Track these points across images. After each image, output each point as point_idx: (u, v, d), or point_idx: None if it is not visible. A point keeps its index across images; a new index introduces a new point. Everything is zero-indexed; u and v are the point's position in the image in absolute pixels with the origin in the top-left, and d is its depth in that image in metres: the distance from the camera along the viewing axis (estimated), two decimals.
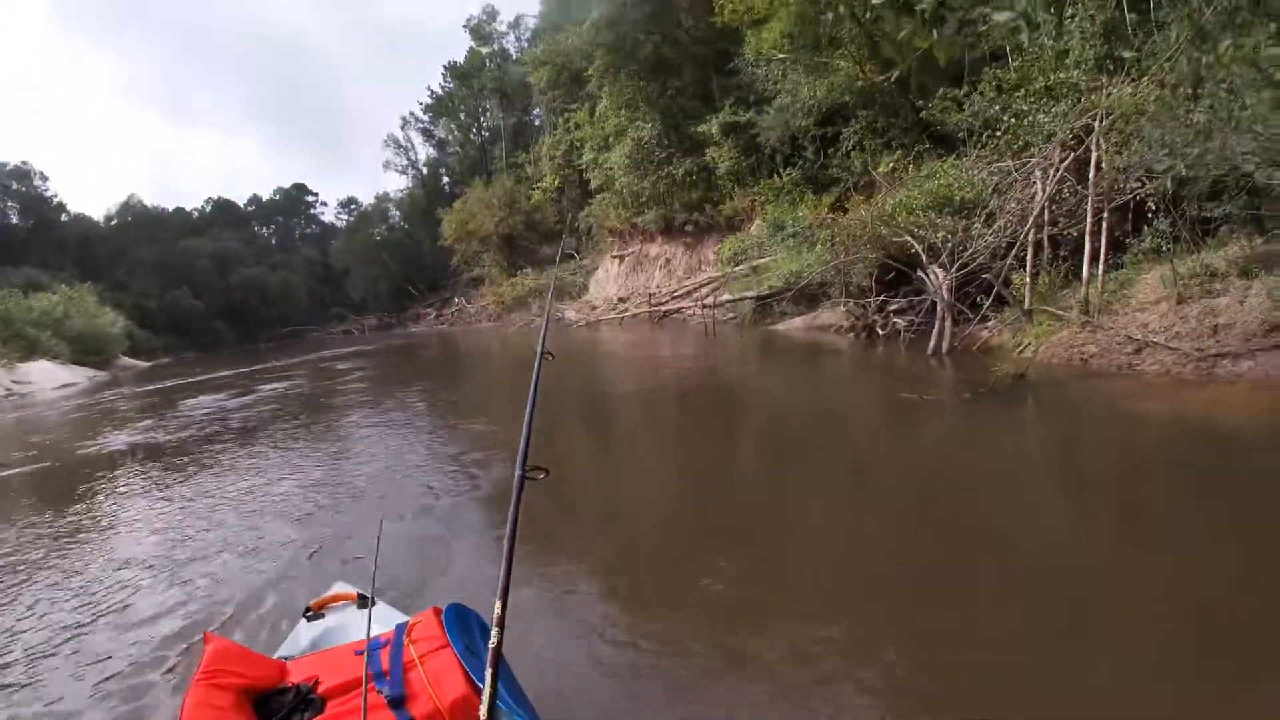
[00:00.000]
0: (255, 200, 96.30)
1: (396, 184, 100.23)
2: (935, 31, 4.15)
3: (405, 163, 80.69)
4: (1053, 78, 13.92)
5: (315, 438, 12.80)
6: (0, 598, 5.83)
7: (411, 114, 79.02)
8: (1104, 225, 11.55)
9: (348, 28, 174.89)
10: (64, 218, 72.85)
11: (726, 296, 25.57)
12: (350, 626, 3.29)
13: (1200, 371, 8.90)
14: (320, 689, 2.48)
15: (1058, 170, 12.87)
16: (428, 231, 69.21)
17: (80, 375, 38.54)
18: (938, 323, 13.31)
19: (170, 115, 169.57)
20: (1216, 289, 9.63)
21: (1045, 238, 13.01)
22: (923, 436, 8.64)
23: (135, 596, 5.57)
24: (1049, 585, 4.40)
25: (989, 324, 12.99)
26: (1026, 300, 12.30)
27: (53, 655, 4.71)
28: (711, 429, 10.64)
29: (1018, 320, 12.42)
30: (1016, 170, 14.51)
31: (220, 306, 73.54)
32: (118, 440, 14.52)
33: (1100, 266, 11.36)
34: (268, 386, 22.52)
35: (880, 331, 15.81)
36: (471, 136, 74.79)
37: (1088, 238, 11.70)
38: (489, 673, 1.91)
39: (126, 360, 48.29)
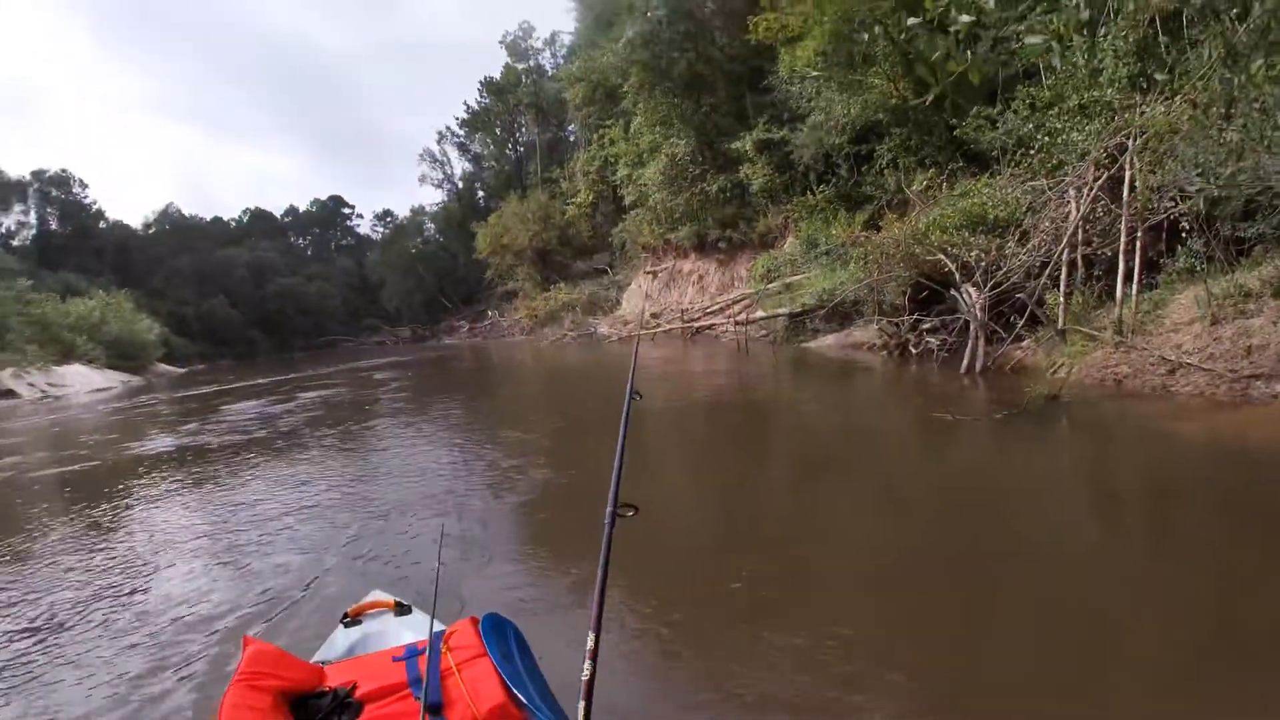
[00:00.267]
0: (292, 211, 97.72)
1: (432, 197, 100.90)
2: (969, 52, 4.22)
3: (441, 177, 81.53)
4: (1086, 96, 13.87)
5: (360, 443, 13.13)
6: (62, 586, 5.99)
7: (448, 128, 79.76)
8: (1138, 245, 11.50)
9: (385, 46, 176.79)
10: (102, 225, 74.40)
11: (759, 313, 25.51)
12: (387, 633, 3.33)
13: (1234, 393, 8.85)
14: (358, 693, 2.50)
15: (1091, 189, 12.82)
16: (462, 245, 69.64)
17: (115, 380, 39.19)
18: (971, 342, 13.28)
19: (208, 127, 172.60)
20: (1250, 309, 9.56)
21: (1079, 257, 12.96)
22: (955, 455, 8.64)
23: (178, 590, 5.72)
24: (1076, 602, 4.42)
25: (1022, 344, 12.94)
26: (1060, 320, 12.26)
27: (100, 643, 4.84)
28: (743, 444, 10.68)
29: (1051, 340, 12.38)
30: (1050, 189, 14.45)
31: (256, 315, 74.45)
32: (166, 442, 14.81)
33: (1134, 286, 11.31)
34: (309, 394, 22.87)
35: (913, 350, 15.78)
36: (507, 151, 75.28)
37: (1121, 257, 11.66)
38: (581, 705, 1.96)
39: (162, 366, 49.16)
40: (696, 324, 31.48)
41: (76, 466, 12.58)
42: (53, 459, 13.57)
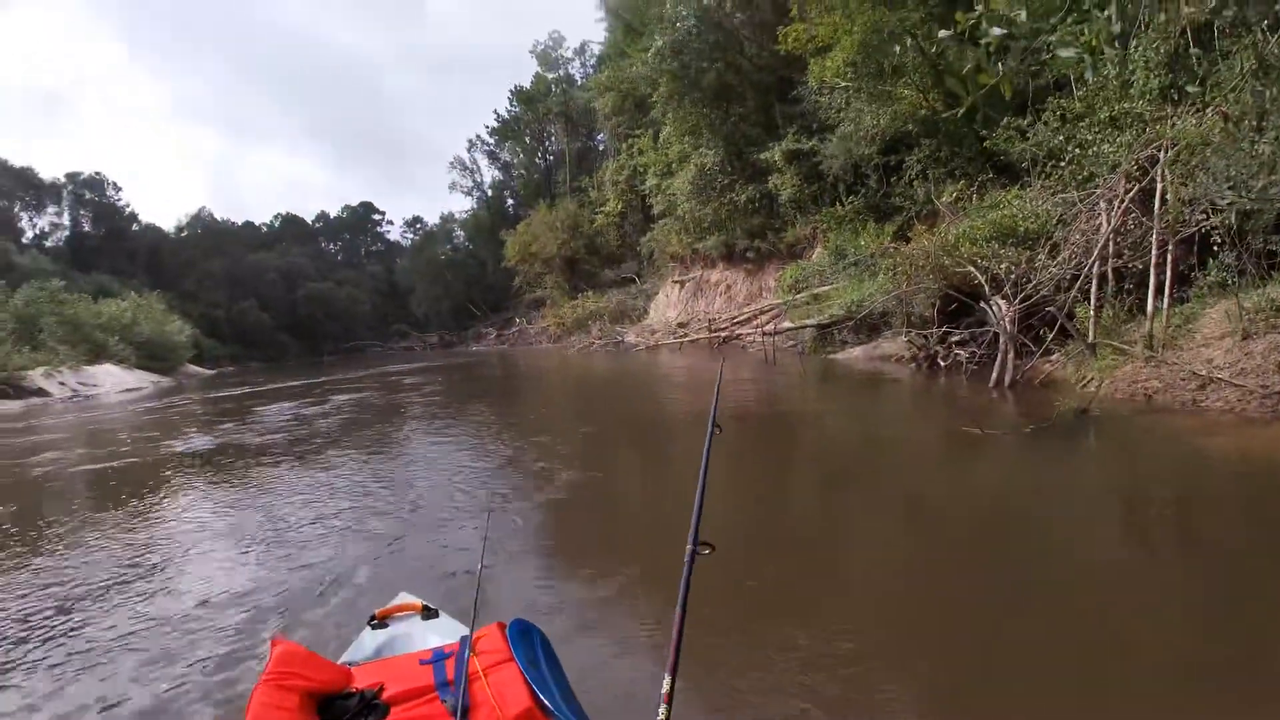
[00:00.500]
0: (323, 217, 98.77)
1: (462, 205, 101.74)
2: (1000, 64, 4.19)
3: (471, 184, 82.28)
4: (1117, 108, 13.79)
5: (396, 446, 13.44)
6: (101, 578, 6.07)
7: (478, 137, 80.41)
8: (1169, 258, 11.40)
9: (415, 54, 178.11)
10: (135, 227, 75.64)
11: (787, 324, 25.45)
12: (414, 636, 3.35)
13: (1265, 409, 8.77)
14: (385, 695, 2.52)
15: (1122, 202, 12.73)
16: (491, 252, 70.28)
17: (145, 380, 39.69)
18: (1000, 355, 13.19)
19: (240, 133, 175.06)
20: None
21: (1110, 270, 12.87)
22: (984, 470, 8.60)
23: (207, 587, 5.79)
24: (1102, 618, 4.40)
25: (1052, 357, 12.85)
26: (1090, 334, 12.17)
27: (134, 635, 4.90)
28: (771, 454, 10.66)
29: (1081, 354, 12.29)
30: (1081, 201, 14.35)
31: (286, 319, 75.47)
32: (205, 441, 15.10)
33: (1165, 300, 11.21)
34: (342, 397, 23.21)
35: (941, 363, 15.72)
36: (536, 160, 75.71)
37: (1152, 271, 11.57)
38: None
39: (191, 367, 49.90)
40: (724, 334, 31.44)
41: (117, 463, 12.80)
42: (94, 455, 13.77)
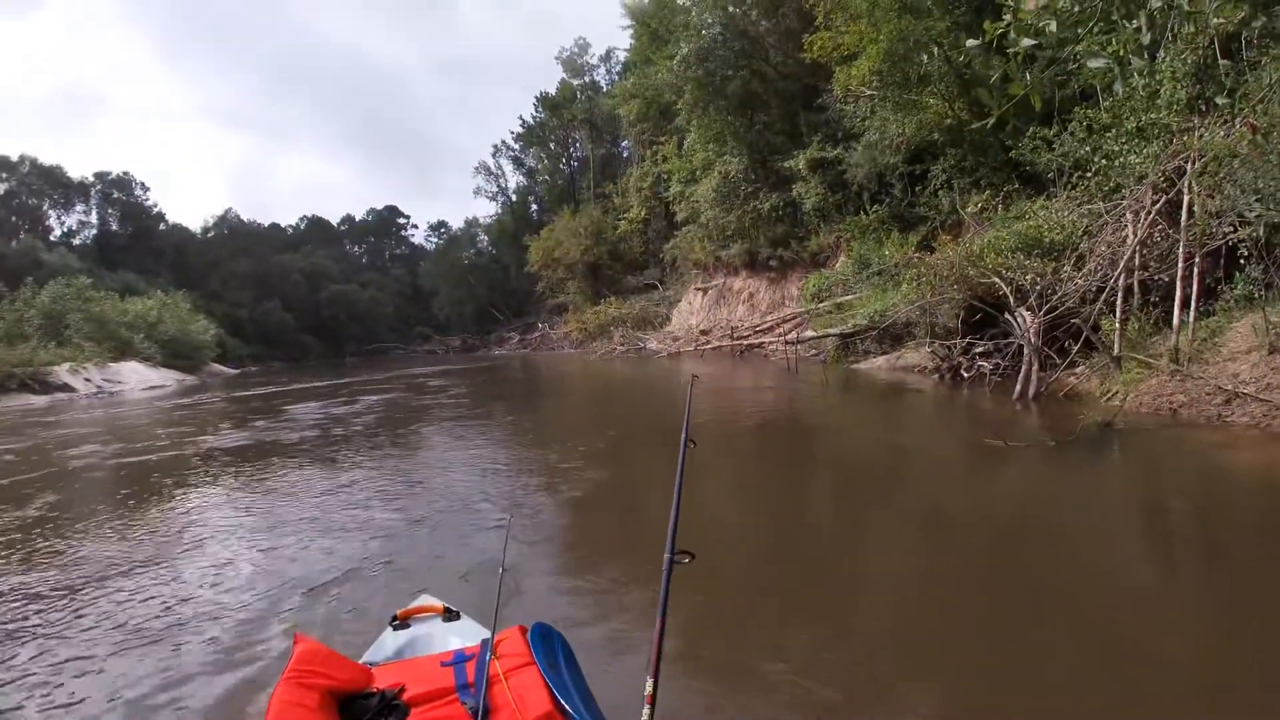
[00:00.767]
0: (348, 220, 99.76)
1: (486, 209, 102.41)
2: (1027, 73, 4.17)
3: (495, 189, 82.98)
4: (1144, 118, 13.71)
5: (421, 446, 13.63)
6: (133, 565, 6.10)
7: (503, 142, 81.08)
8: (1195, 271, 11.32)
9: (440, 60, 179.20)
10: (162, 227, 76.47)
11: (810, 333, 25.41)
12: (435, 638, 3.36)
13: None
14: (405, 696, 2.53)
15: (1149, 213, 12.64)
16: (514, 257, 70.86)
17: (169, 378, 40.07)
18: (1024, 367, 13.09)
19: (267, 136, 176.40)
20: None
21: (1135, 282, 12.78)
22: (1007, 483, 8.54)
23: (227, 579, 5.77)
24: (1123, 633, 4.36)
25: (1076, 370, 12.77)
26: (1116, 346, 12.08)
27: (153, 627, 4.86)
28: (791, 463, 10.63)
29: (1106, 367, 12.20)
30: (1107, 212, 14.28)
31: (309, 320, 76.13)
32: (236, 437, 15.37)
33: (1191, 313, 11.13)
34: (370, 398, 23.41)
35: (965, 374, 15.62)
36: (561, 166, 76.10)
37: (1179, 283, 11.48)
38: None
39: (215, 366, 50.41)
40: (746, 342, 31.43)
41: (155, 456, 13.08)
42: (130, 449, 14.00)
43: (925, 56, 18.29)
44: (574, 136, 72.82)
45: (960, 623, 4.75)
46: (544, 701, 2.41)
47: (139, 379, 37.45)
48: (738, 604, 5.05)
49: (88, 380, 34.31)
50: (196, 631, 5.05)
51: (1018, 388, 12.93)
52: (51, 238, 66.84)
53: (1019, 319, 13.74)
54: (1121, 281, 12.69)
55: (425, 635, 3.42)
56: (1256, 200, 10.14)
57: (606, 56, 68.71)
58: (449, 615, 3.56)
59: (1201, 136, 11.84)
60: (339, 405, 20.95)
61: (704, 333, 36.65)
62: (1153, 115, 13.48)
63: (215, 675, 4.38)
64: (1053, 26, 3.77)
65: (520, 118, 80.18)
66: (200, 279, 68.24)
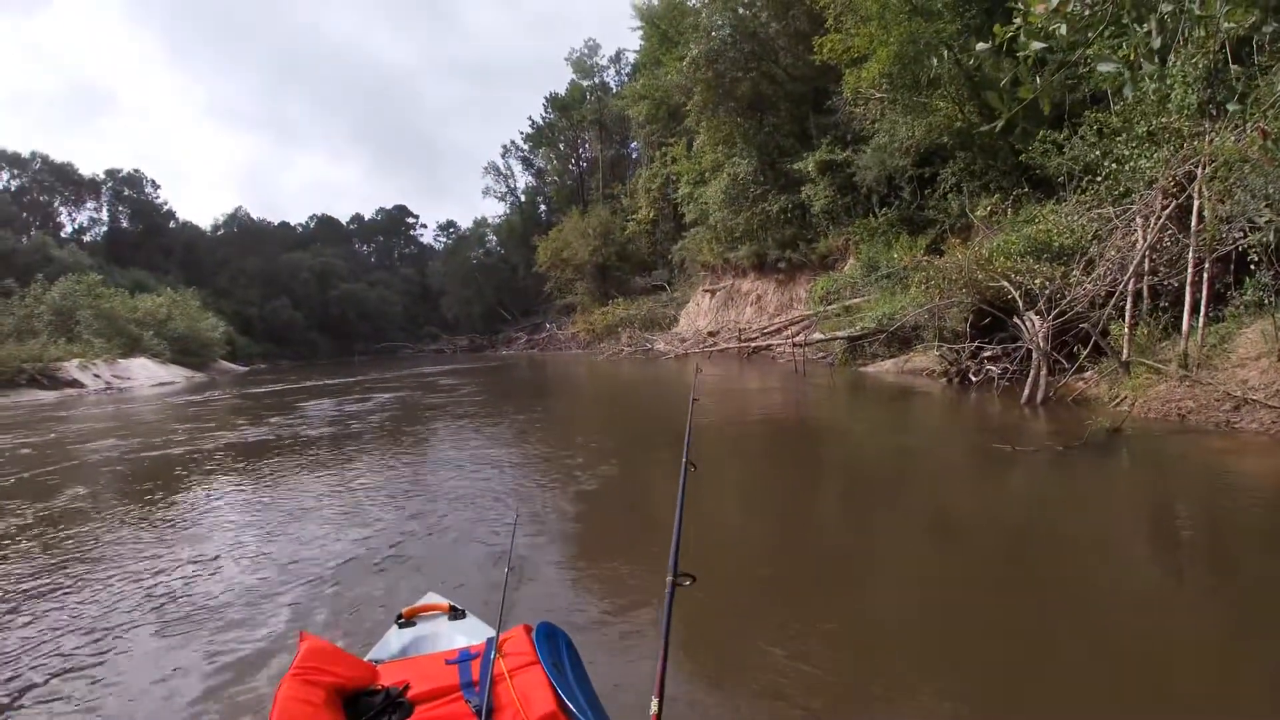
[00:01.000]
0: (358, 219, 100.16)
1: (495, 210, 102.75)
2: (1038, 78, 4.15)
3: (504, 190, 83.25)
4: (1155, 123, 13.65)
5: (431, 444, 13.70)
6: (149, 559, 6.08)
7: (512, 143, 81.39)
8: (1205, 276, 11.28)
9: (449, 60, 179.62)
10: (172, 225, 76.94)
11: (817, 335, 25.39)
12: (440, 636, 3.38)
13: None
14: (410, 694, 2.54)
15: (1159, 218, 12.60)
16: (523, 257, 71.10)
17: (178, 375, 40.47)
18: (1033, 371, 13.06)
19: (277, 135, 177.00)
20: None
21: (1145, 287, 12.74)
22: (1015, 488, 8.52)
23: (238, 580, 5.76)
24: (1130, 643, 4.34)
25: (1085, 375, 12.73)
26: (1124, 351, 12.04)
27: (163, 621, 4.93)
28: (798, 468, 10.60)
29: (1115, 372, 12.17)
30: (1117, 217, 14.22)
31: (318, 319, 76.68)
32: (253, 433, 15.52)
33: (1200, 319, 11.09)
34: (382, 395, 23.75)
35: (973, 378, 15.60)
36: (570, 166, 76.26)
37: (1188, 288, 11.44)
38: None
39: (224, 364, 50.84)
40: (753, 344, 31.40)
41: (175, 450, 13.19)
42: (148, 444, 14.16)
43: (935, 59, 18.22)
44: (583, 137, 72.96)
45: (968, 628, 4.73)
46: (548, 701, 2.41)
47: (148, 375, 37.67)
48: (744, 609, 5.03)
49: (97, 376, 34.53)
50: (201, 623, 5.10)
51: (1026, 392, 12.90)
52: (62, 234, 67.45)
53: (1028, 323, 13.71)
54: (1131, 286, 12.66)
55: (430, 633, 3.43)
56: (1267, 206, 10.10)
57: (616, 58, 68.78)
58: (454, 614, 3.58)
59: (1212, 141, 11.79)
60: (352, 403, 21.16)
61: (711, 334, 36.68)
62: (1163, 120, 13.42)
63: (218, 670, 4.40)
64: (1063, 30, 3.75)
65: (529, 118, 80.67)
66: (210, 276, 68.79)
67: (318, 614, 5.23)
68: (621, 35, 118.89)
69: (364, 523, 7.66)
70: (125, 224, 73.03)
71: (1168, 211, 12.48)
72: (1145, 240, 12.74)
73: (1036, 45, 3.86)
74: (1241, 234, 10.91)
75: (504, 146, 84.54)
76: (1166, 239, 12.66)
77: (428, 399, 22.53)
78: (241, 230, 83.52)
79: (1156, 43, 3.76)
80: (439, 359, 57.95)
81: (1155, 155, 13.36)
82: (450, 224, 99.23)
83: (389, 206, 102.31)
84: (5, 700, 4.17)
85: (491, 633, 2.97)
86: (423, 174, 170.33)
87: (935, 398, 15.51)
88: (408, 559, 6.37)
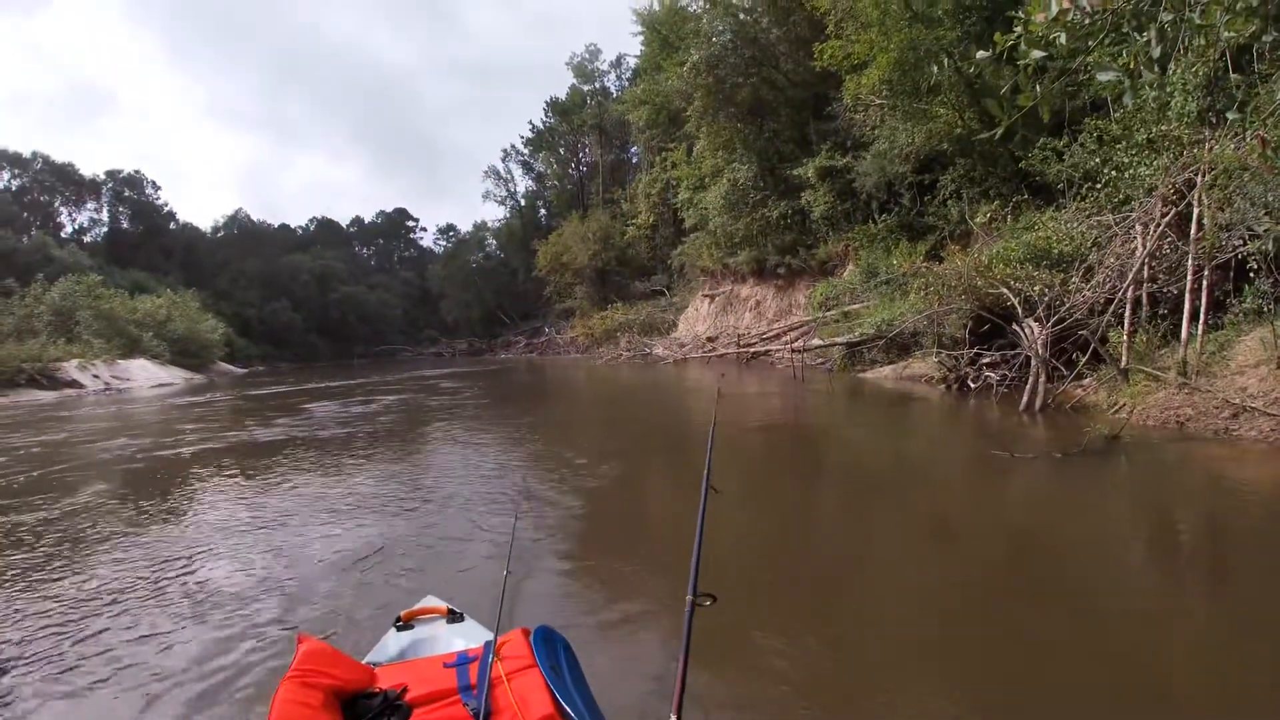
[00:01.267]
0: (357, 222, 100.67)
1: (495, 214, 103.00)
2: (1038, 86, 4.16)
3: (504, 194, 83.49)
4: (1155, 130, 13.67)
5: (431, 447, 13.74)
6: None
7: (513, 146, 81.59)
8: (1204, 284, 11.27)
9: (449, 63, 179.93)
10: (172, 226, 77.07)
11: (816, 341, 25.35)
12: (439, 639, 3.40)
13: None
14: (408, 697, 2.55)
15: (1158, 225, 12.61)
16: (522, 261, 71.33)
17: (177, 376, 40.51)
18: (1031, 378, 13.04)
19: (277, 137, 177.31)
20: None
21: (1144, 294, 12.75)
22: (1013, 495, 8.50)
23: (235, 580, 5.76)
24: (1129, 653, 4.33)
25: (1084, 382, 12.73)
26: (1123, 359, 12.04)
27: (159, 618, 4.85)
28: (796, 474, 10.59)
29: (1113, 379, 12.16)
30: (1116, 224, 14.24)
31: (317, 321, 76.83)
32: (260, 434, 15.57)
33: (1199, 326, 11.09)
34: (385, 398, 23.70)
35: (971, 384, 15.58)
36: (570, 171, 76.45)
37: (1188, 296, 11.44)
38: None
39: (223, 365, 50.86)
40: (752, 349, 31.39)
41: (186, 451, 13.24)
42: (159, 444, 14.16)
43: (935, 66, 18.25)
44: (583, 142, 73.08)
45: (969, 636, 4.73)
46: (545, 704, 2.43)
47: (147, 376, 37.68)
48: (745, 616, 5.03)
49: (96, 377, 34.54)
50: (199, 624, 5.09)
51: (1024, 399, 12.89)
52: (63, 234, 67.57)
53: (1027, 330, 13.70)
54: (1130, 293, 12.66)
55: (429, 636, 3.45)
56: (1266, 214, 10.11)
57: (617, 62, 68.86)
58: (453, 617, 3.61)
59: (1212, 149, 11.80)
60: (355, 405, 21.24)
61: (710, 339, 36.67)
62: (1163, 127, 13.43)
63: (213, 672, 4.39)
64: (1063, 39, 3.76)
65: (530, 122, 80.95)
66: (209, 278, 68.90)
67: (316, 615, 5.22)
68: (622, 36, 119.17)
69: (364, 524, 7.66)
70: (125, 225, 73.21)
71: (1167, 219, 12.49)
72: (1145, 247, 12.75)
73: (1036, 54, 3.87)
74: (1241, 242, 10.92)
75: (504, 150, 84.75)
76: (1166, 246, 12.67)
77: (430, 401, 22.60)
78: (241, 232, 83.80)
79: (1156, 51, 3.77)
80: (438, 362, 57.90)
81: (1155, 163, 13.37)
82: (450, 227, 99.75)
83: (389, 209, 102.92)
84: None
85: (490, 636, 2.99)
86: (423, 175, 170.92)
87: (934, 404, 15.51)
88: (407, 561, 6.36)
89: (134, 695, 4.17)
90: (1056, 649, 4.47)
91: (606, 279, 56.86)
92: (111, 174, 72.87)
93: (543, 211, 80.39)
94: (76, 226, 71.90)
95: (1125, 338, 12.25)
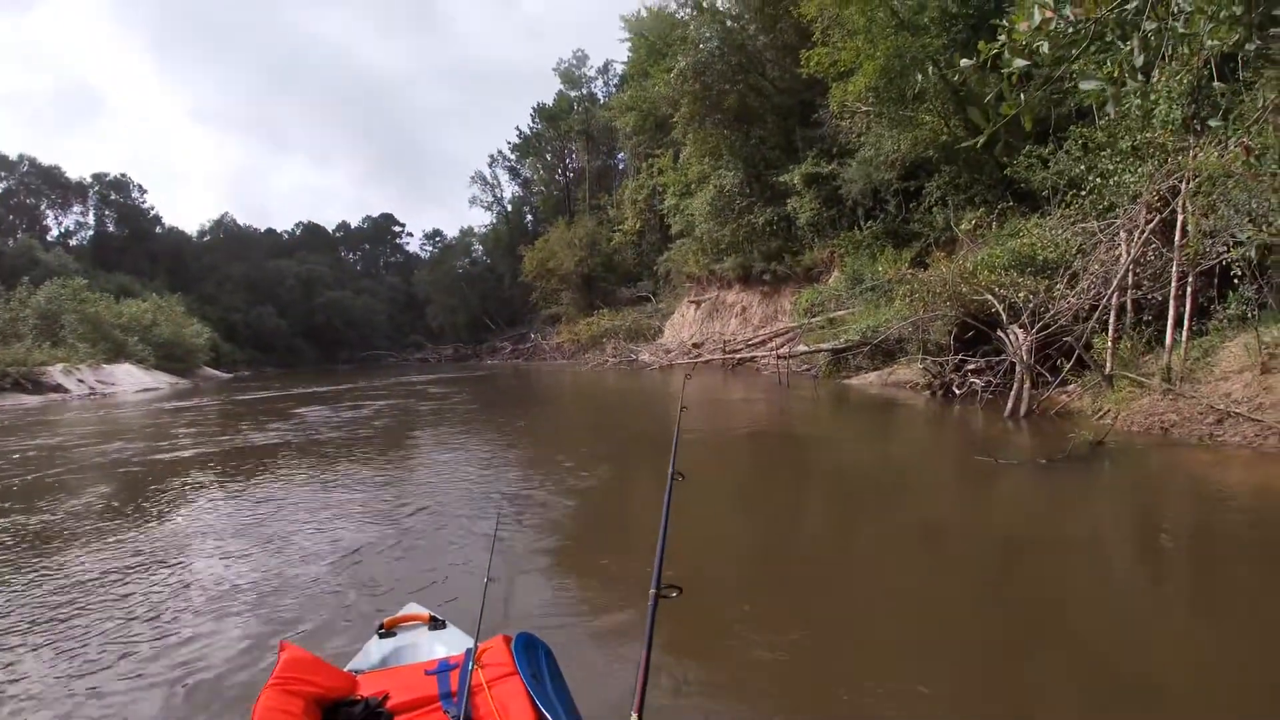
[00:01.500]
0: (344, 226, 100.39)
1: (481, 219, 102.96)
2: (1022, 94, 4.17)
3: (491, 199, 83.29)
4: (1139, 138, 13.72)
5: (416, 453, 13.76)
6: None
7: (500, 152, 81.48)
8: (1189, 290, 11.33)
9: (436, 68, 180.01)
10: (158, 230, 76.19)
11: (802, 347, 25.40)
12: (420, 646, 3.40)
13: None
14: (389, 704, 2.55)
15: (1143, 232, 12.66)
16: (509, 267, 71.14)
17: (162, 380, 40.15)
18: (1016, 384, 13.09)
19: (263, 141, 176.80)
20: None
21: (1128, 301, 12.81)
22: (998, 501, 8.52)
23: (215, 583, 5.72)
24: (1117, 658, 4.32)
25: (1068, 388, 12.77)
26: (1108, 365, 12.09)
27: (140, 627, 4.81)
28: (781, 480, 10.58)
29: (1098, 385, 12.21)
30: (1101, 231, 14.30)
31: (303, 326, 76.22)
32: (249, 439, 15.48)
33: (1184, 332, 11.14)
34: (373, 403, 23.65)
35: (956, 391, 15.63)
36: (556, 176, 76.25)
37: (1172, 302, 11.50)
38: None
39: (208, 370, 50.37)
40: (738, 355, 31.40)
41: (184, 454, 12.95)
42: (155, 447, 13.95)
43: (921, 74, 18.32)
44: (570, 148, 72.96)
45: (950, 638, 4.72)
46: (526, 711, 2.42)
47: (132, 381, 37.46)
48: (725, 617, 5.03)
49: (80, 381, 34.27)
50: (179, 631, 5.06)
51: (1009, 405, 12.93)
52: (48, 238, 66.91)
53: (1011, 336, 13.75)
54: (1114, 300, 12.72)
55: (411, 644, 3.45)
56: (1249, 221, 10.17)
57: (604, 69, 68.74)
58: (434, 624, 3.60)
59: (1196, 157, 11.86)
60: (344, 410, 21.20)
61: (696, 346, 36.66)
62: (1147, 135, 13.47)
63: (194, 679, 4.36)
64: (1045, 48, 3.77)
65: (517, 128, 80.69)
66: (195, 282, 68.37)
67: (298, 622, 5.18)
68: (608, 43, 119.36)
69: (349, 530, 7.61)
70: (111, 228, 72.51)
71: (1151, 226, 12.54)
72: (1129, 254, 12.81)
73: (1020, 63, 3.88)
74: (1225, 248, 10.96)
75: (491, 156, 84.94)
76: (1150, 253, 12.73)
77: (419, 406, 22.61)
78: (227, 236, 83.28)
79: (1140, 60, 3.78)
80: (424, 368, 57.78)
81: (1139, 170, 13.41)
82: (436, 233, 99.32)
83: (375, 214, 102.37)
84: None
85: (471, 643, 2.98)
86: (410, 180, 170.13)
87: (918, 410, 15.55)
88: (390, 568, 6.33)
89: (113, 701, 4.14)
90: (1038, 649, 4.48)
91: (593, 285, 56.80)
92: (98, 177, 72.27)
93: (529, 217, 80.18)
94: (63, 230, 71.19)
95: (1110, 344, 12.31)
